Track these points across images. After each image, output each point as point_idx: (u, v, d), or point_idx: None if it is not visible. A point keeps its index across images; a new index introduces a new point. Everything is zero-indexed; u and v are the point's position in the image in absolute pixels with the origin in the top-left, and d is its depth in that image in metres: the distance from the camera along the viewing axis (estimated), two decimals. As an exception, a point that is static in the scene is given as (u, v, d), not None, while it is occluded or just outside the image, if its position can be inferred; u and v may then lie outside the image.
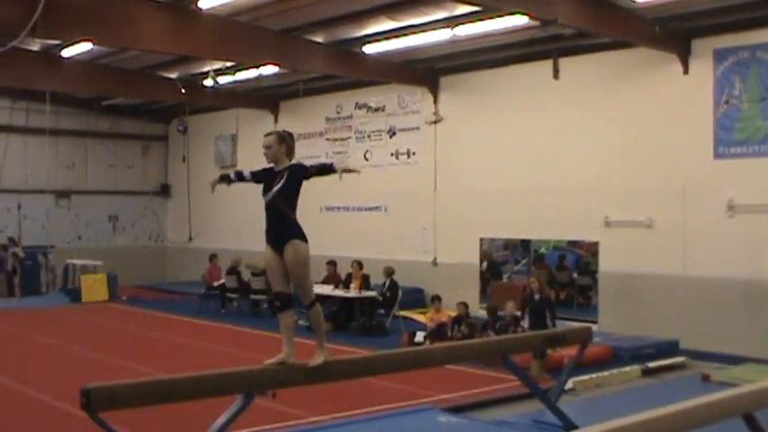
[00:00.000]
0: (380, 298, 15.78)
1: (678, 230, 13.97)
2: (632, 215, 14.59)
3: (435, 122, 18.26)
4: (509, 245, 16.42)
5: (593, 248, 14.90)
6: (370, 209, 19.72)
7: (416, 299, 17.47)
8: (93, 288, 20.74)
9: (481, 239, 16.74)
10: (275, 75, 18.88)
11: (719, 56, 13.58)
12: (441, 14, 14.09)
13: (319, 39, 16.01)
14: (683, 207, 13.91)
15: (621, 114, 14.86)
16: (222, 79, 19.11)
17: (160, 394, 5.64)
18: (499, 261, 16.56)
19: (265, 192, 6.11)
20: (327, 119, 20.88)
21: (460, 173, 17.55)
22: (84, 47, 16.28)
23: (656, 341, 13.13)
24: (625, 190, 14.72)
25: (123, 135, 25.74)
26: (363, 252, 17.96)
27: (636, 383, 11.17)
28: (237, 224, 22.09)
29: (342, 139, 20.54)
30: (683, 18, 13.53)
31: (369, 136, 19.89)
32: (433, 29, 14.62)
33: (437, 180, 18.14)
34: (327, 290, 16.26)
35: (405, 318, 15.84)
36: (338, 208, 20.46)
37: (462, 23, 14.17)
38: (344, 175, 6.31)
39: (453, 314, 13.66)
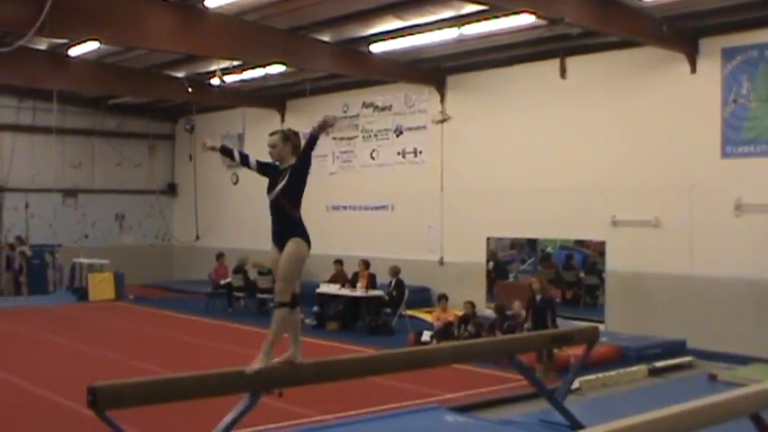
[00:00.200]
0: (387, 297, 15.79)
1: (685, 230, 13.93)
2: (639, 214, 14.55)
3: (442, 122, 18.24)
4: (515, 244, 16.41)
5: (599, 248, 14.88)
6: (377, 208, 19.72)
7: (423, 298, 17.45)
8: (100, 287, 20.78)
9: (488, 239, 16.73)
10: (282, 74, 18.89)
11: (727, 55, 13.53)
12: (447, 13, 14.08)
13: (326, 38, 16.01)
14: (691, 206, 13.87)
15: (628, 114, 14.82)
16: (229, 78, 19.15)
17: (167, 393, 5.65)
18: (505, 260, 16.55)
19: (270, 190, 6.10)
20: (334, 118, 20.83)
21: (467, 172, 17.53)
22: (90, 46, 16.30)
23: (662, 341, 13.10)
24: (632, 189, 14.69)
25: (130, 134, 25.79)
26: (370, 251, 17.96)
27: (642, 383, 11.15)
28: (244, 223, 22.11)
29: (348, 139, 20.54)
30: (691, 17, 13.48)
31: (375, 135, 19.89)
32: (440, 28, 14.61)
33: (444, 179, 18.12)
34: (334, 289, 16.29)
35: (411, 317, 15.84)
36: (344, 207, 20.47)
37: (469, 22, 14.15)
38: (331, 130, 6.20)
39: (460, 313, 13.66)
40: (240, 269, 18.45)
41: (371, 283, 15.88)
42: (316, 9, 14.05)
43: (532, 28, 14.19)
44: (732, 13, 13.14)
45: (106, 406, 5.12)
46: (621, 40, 14.39)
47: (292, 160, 6.15)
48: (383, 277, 16.18)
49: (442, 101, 18.27)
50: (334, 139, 20.77)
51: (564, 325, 12.16)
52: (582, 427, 7.29)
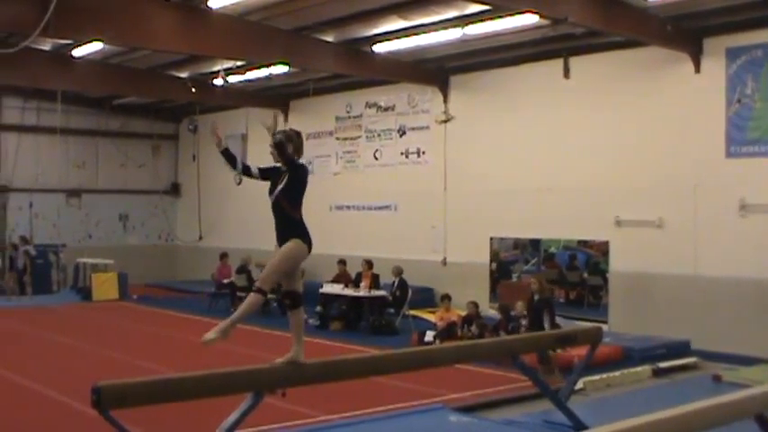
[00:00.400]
0: (390, 297, 15.79)
1: (689, 230, 13.90)
2: (643, 215, 14.53)
3: (445, 122, 18.23)
4: (519, 244, 16.39)
5: (603, 248, 14.86)
6: (380, 208, 19.72)
7: (426, 298, 17.45)
8: (104, 287, 20.82)
9: (491, 239, 16.71)
10: (285, 74, 18.89)
11: (732, 54, 13.50)
12: (451, 13, 14.07)
13: (329, 38, 16.01)
14: (695, 206, 13.85)
15: (632, 114, 14.79)
16: (232, 78, 19.16)
17: (170, 393, 5.65)
18: (508, 261, 16.53)
19: (271, 191, 6.11)
20: (337, 118, 20.88)
21: (470, 172, 17.51)
22: (94, 46, 16.33)
23: (667, 341, 13.08)
24: (636, 189, 14.66)
25: (134, 134, 25.82)
26: (373, 251, 17.95)
27: (647, 384, 11.13)
28: (247, 223, 22.10)
29: (352, 139, 20.54)
30: (695, 16, 13.46)
31: (379, 135, 19.88)
32: (444, 28, 14.60)
33: (447, 179, 18.10)
34: (337, 289, 16.29)
35: (414, 317, 15.83)
36: (348, 207, 20.48)
37: (473, 22, 14.13)
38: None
39: (463, 313, 13.66)
40: (243, 269, 18.46)
41: (375, 283, 15.89)
42: (319, 9, 14.04)
43: (536, 28, 14.18)
44: (736, 13, 13.12)
45: (110, 406, 5.12)
46: (625, 39, 14.36)
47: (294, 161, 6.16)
48: (386, 277, 16.18)
49: (445, 101, 18.26)
50: (338, 139, 20.78)
51: (567, 325, 12.15)
52: (585, 427, 7.27)
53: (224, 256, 19.84)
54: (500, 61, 16.65)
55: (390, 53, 16.49)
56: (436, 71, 18.03)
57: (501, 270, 16.60)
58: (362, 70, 17.55)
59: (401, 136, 19.34)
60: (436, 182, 18.24)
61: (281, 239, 6.03)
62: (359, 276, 16.31)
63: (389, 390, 9.83)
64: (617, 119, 15.01)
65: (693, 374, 11.79)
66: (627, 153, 14.84)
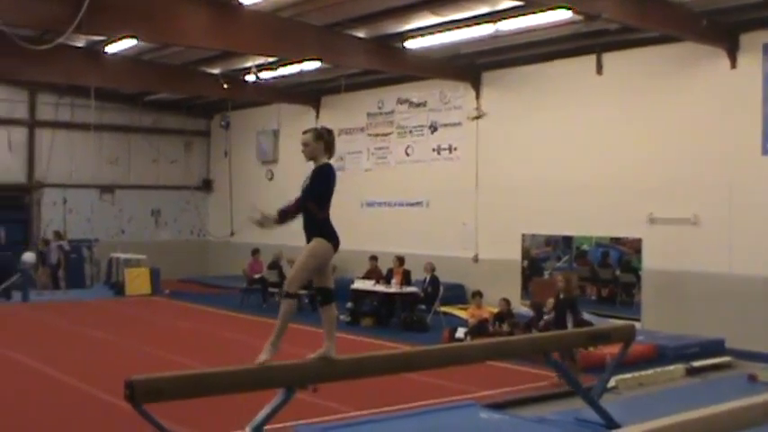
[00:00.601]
0: (421, 293, 15.78)
1: (725, 228, 13.74)
2: (677, 212, 14.38)
3: (477, 118, 18.17)
4: (551, 241, 16.30)
5: (636, 245, 14.71)
6: (412, 204, 19.70)
7: (457, 295, 17.43)
8: (137, 282, 21.01)
9: (523, 235, 16.63)
10: (317, 70, 18.90)
11: (768, 50, 13.34)
12: (483, 9, 14.02)
13: (361, 34, 16.01)
14: (730, 204, 13.67)
15: (666, 110, 14.65)
16: (264, 75, 19.22)
17: (203, 387, 5.69)
18: (540, 257, 16.44)
19: (301, 192, 6.14)
20: (369, 114, 20.89)
21: (502, 169, 17.44)
22: (127, 43, 16.43)
23: (701, 340, 12.93)
24: (670, 186, 14.52)
25: (166, 130, 26.05)
26: (404, 248, 17.96)
27: (680, 383, 11.01)
28: (279, 219, 22.15)
29: (383, 135, 20.54)
30: (731, 11, 13.30)
31: (410, 131, 19.87)
32: (476, 24, 14.53)
33: (478, 176, 18.05)
34: (368, 285, 16.30)
35: (445, 314, 15.83)
36: (379, 203, 20.48)
37: (505, 18, 14.06)
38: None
39: (494, 310, 13.61)
40: (275, 264, 18.55)
41: (406, 279, 15.88)
42: (351, 5, 14.07)
43: (569, 23, 14.09)
44: (773, 8, 12.94)
45: (143, 400, 5.16)
46: (659, 35, 14.23)
47: (325, 159, 6.17)
48: (418, 274, 16.17)
49: (477, 97, 18.20)
50: (369, 135, 20.79)
51: (600, 323, 12.05)
52: (618, 426, 7.22)
53: (256, 251, 19.92)
54: (532, 57, 16.57)
55: (422, 49, 16.44)
56: (468, 67, 17.97)
57: (533, 267, 16.50)
58: (394, 66, 17.53)
59: (433, 132, 19.30)
60: (468, 178, 18.19)
61: (307, 238, 6.07)
62: (390, 273, 16.31)
63: (420, 386, 9.83)
64: (650, 115, 14.86)
65: (728, 374, 11.64)
66: (660, 150, 14.70)
